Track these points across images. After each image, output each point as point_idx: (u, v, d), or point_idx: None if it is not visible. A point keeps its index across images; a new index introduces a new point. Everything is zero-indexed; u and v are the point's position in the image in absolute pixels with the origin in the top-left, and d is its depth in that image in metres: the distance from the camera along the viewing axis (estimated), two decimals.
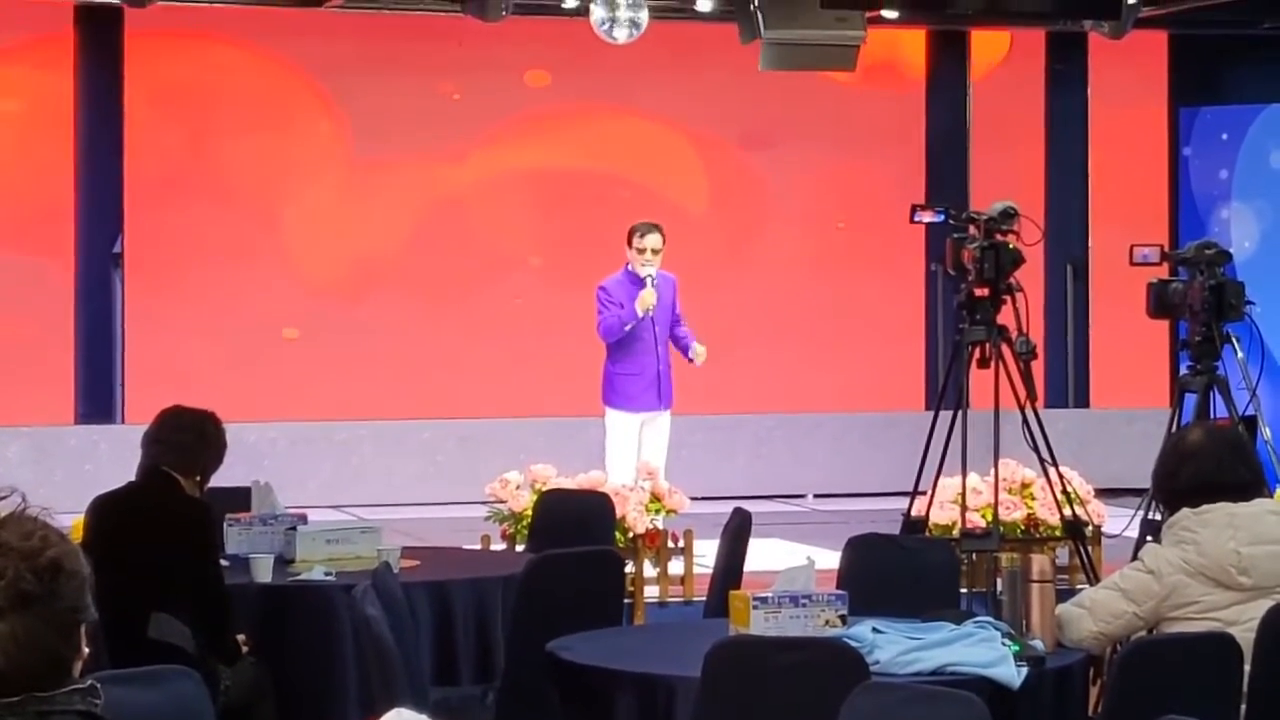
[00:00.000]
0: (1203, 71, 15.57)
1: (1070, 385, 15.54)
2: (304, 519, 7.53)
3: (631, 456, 10.99)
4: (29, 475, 12.99)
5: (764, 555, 8.45)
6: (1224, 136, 15.15)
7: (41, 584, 2.46)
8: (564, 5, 12.80)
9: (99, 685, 2.58)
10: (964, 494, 9.10)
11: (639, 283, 11.08)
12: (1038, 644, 5.46)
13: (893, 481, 12.94)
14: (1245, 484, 5.54)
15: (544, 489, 9.34)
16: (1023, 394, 8.55)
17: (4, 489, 2.55)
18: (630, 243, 11.17)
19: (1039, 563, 5.67)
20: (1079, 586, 8.79)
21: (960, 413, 8.58)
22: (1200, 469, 5.54)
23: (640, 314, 11.03)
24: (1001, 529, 9.21)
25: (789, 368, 14.93)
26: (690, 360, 11.31)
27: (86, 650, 2.56)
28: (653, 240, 11.12)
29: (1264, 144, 14.93)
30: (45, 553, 2.47)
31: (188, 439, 6.50)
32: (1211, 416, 8.46)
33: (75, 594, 2.50)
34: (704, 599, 7.84)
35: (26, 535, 2.48)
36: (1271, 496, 5.80)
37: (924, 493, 9.18)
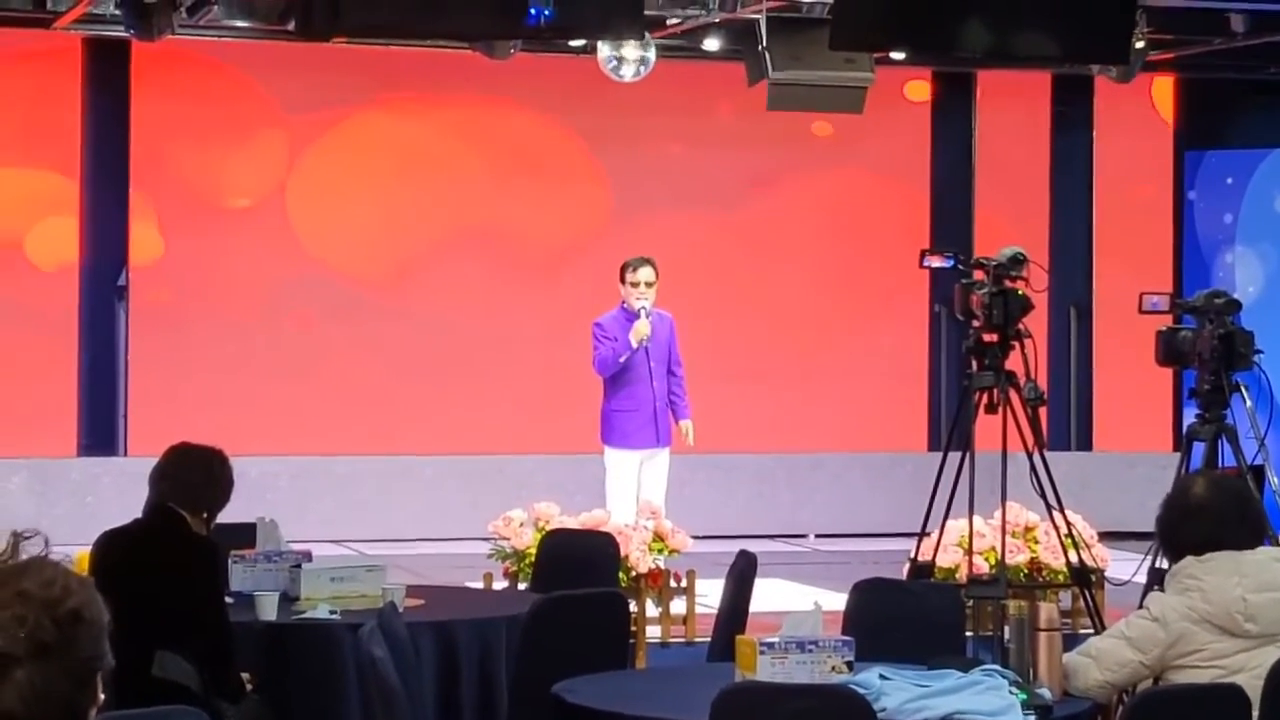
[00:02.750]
0: (1208, 115, 15.60)
1: (1073, 427, 15.54)
2: (309, 556, 7.52)
3: (631, 495, 10.98)
4: (31, 507, 13.00)
5: (766, 596, 8.43)
6: (1229, 180, 15.17)
7: (61, 633, 2.45)
8: (571, 44, 12.80)
9: None
10: (971, 539, 9.09)
11: (633, 318, 11.08)
12: (1045, 692, 5.45)
13: (895, 522, 12.96)
14: (1247, 541, 5.54)
15: (547, 527, 9.33)
16: (1030, 440, 8.54)
17: (28, 530, 2.54)
18: (623, 278, 11.16)
19: (1046, 611, 5.67)
20: (1083, 631, 8.78)
21: (967, 457, 8.57)
22: (1204, 527, 5.54)
23: (635, 345, 11.02)
24: (1006, 573, 9.19)
25: (791, 406, 14.93)
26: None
27: (103, 697, 2.55)
28: (645, 274, 11.11)
29: (1269, 188, 14.95)
30: (66, 602, 2.46)
31: (195, 477, 6.49)
32: (1219, 465, 8.45)
33: (93, 643, 2.49)
34: (706, 640, 7.84)
35: (48, 584, 2.47)
36: (1274, 545, 5.79)
37: (930, 533, 9.17)
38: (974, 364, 8.72)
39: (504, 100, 14.53)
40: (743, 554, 7.43)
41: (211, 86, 14.14)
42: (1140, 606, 5.78)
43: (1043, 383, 8.90)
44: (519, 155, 14.70)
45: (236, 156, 14.28)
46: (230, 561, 7.19)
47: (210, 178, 14.23)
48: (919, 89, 15.09)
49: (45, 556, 2.51)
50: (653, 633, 9.69)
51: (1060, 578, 9.62)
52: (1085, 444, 15.56)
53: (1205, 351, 8.56)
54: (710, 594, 8.94)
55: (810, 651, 5.50)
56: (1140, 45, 12.51)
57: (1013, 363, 8.64)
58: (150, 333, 14.05)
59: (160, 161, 14.11)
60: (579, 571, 7.95)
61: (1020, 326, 8.58)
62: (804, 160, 15.08)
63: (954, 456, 8.72)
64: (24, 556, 2.53)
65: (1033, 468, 8.57)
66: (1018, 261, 8.60)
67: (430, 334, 14.52)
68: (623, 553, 9.07)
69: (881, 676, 5.43)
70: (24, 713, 2.43)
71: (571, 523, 9.50)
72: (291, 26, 11.88)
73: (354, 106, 14.47)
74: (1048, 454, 8.76)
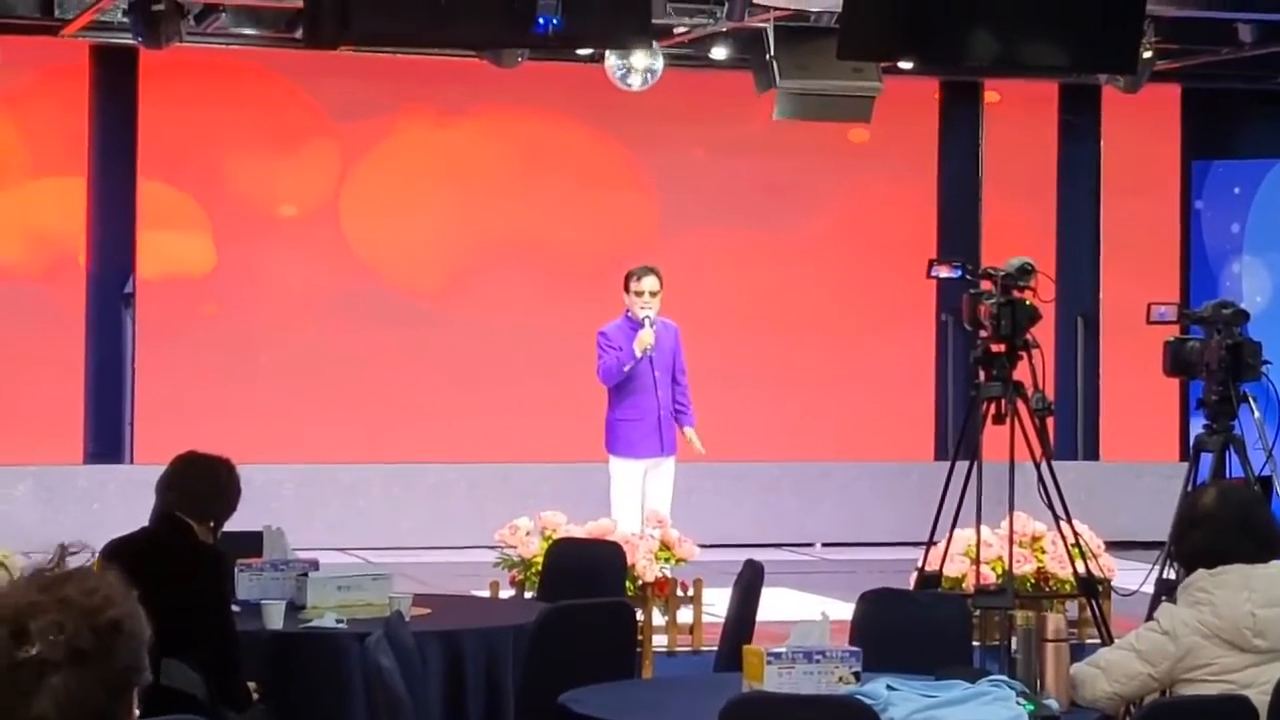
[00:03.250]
0: (1215, 125, 15.59)
1: (1080, 437, 15.53)
2: (315, 564, 7.51)
3: (636, 504, 11.00)
4: (37, 515, 13.00)
5: (773, 605, 8.43)
6: (1236, 190, 15.17)
7: (99, 643, 2.45)
8: (579, 53, 12.80)
9: None
10: (978, 548, 9.08)
11: (638, 326, 11.11)
12: (1052, 704, 5.45)
13: (901, 531, 12.96)
14: (1253, 555, 5.52)
15: (554, 536, 9.33)
16: (1038, 451, 8.54)
17: (75, 544, 2.54)
18: (627, 287, 11.20)
19: (1054, 622, 5.66)
20: (1090, 642, 8.78)
21: (975, 467, 8.56)
22: (1208, 536, 5.52)
23: (638, 354, 11.04)
24: (1013, 583, 9.18)
25: (798, 415, 14.92)
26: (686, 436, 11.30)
27: (138, 712, 2.54)
28: (649, 283, 11.15)
29: (1276, 198, 14.95)
30: (106, 612, 2.46)
31: (202, 486, 6.50)
32: (1227, 476, 8.44)
33: (132, 655, 2.48)
34: (713, 649, 7.83)
35: (89, 592, 2.46)
36: None
37: (937, 542, 9.17)
38: (981, 374, 8.72)
39: (528, 109, 14.54)
40: (749, 564, 7.43)
41: (221, 92, 14.14)
42: (1148, 617, 5.77)
43: (1050, 393, 8.90)
44: (544, 160, 14.70)
45: (241, 163, 14.29)
46: (236, 570, 7.18)
47: (213, 185, 14.23)
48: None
49: (89, 568, 2.51)
50: (659, 642, 9.69)
51: (1067, 588, 9.62)
52: (1092, 454, 15.55)
53: (1213, 362, 8.54)
54: (717, 603, 8.93)
55: (817, 662, 5.49)
56: (1148, 55, 12.51)
57: (1020, 373, 8.64)
58: (157, 341, 14.05)
59: (169, 168, 14.12)
60: (585, 580, 7.96)
61: (1028, 337, 8.58)
62: (812, 168, 15.07)
63: (961, 466, 8.72)
64: (70, 568, 2.53)
65: (1040, 478, 8.56)
66: (1026, 272, 8.60)
67: (436, 343, 14.51)
68: (629, 562, 9.07)
69: (889, 687, 5.42)
70: (57, 718, 2.43)
71: (578, 531, 9.50)
72: (299, 34, 11.89)
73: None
74: (1055, 464, 8.76)
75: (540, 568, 8.94)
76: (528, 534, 9.64)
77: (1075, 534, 9.05)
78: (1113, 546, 10.50)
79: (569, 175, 14.78)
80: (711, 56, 13.37)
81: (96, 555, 2.56)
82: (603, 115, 14.49)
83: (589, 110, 14.52)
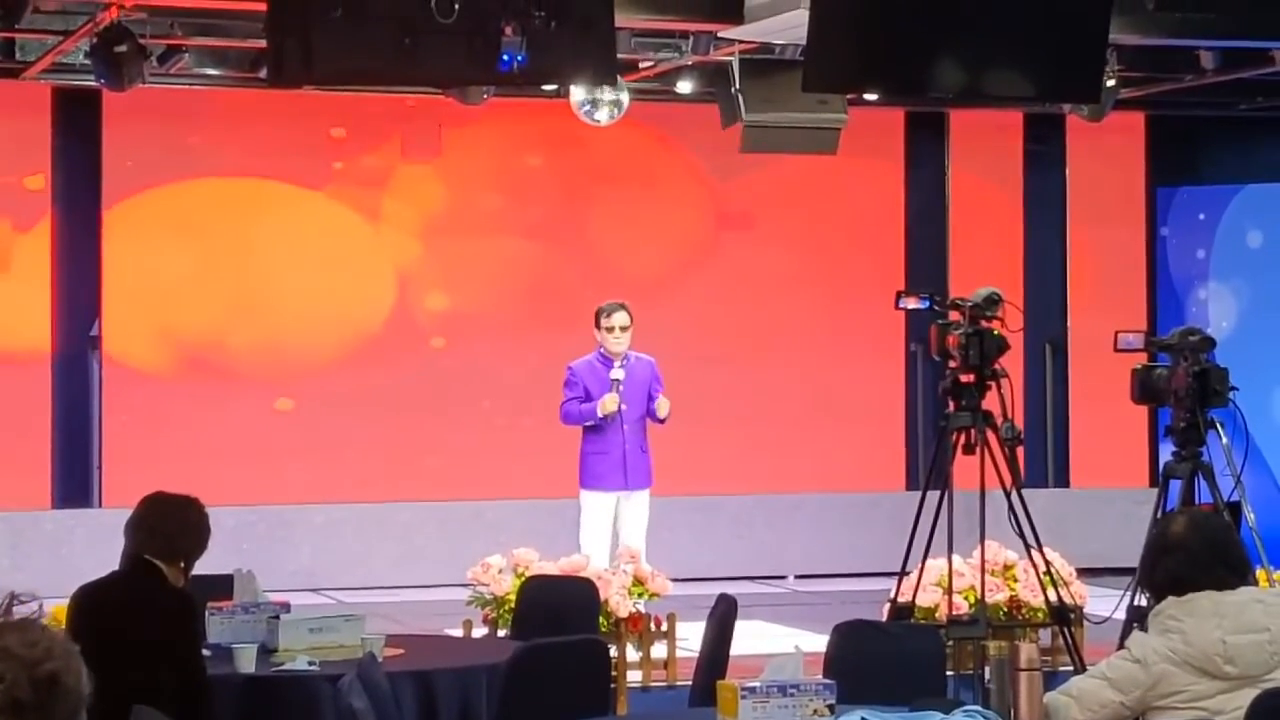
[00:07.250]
0: (1180, 152, 15.66)
1: (1050, 465, 15.55)
2: (287, 607, 7.48)
3: (605, 536, 11.04)
4: (5, 560, 12.93)
5: (746, 637, 8.42)
6: (1201, 216, 15.22)
7: (37, 695, 2.44)
8: (544, 89, 12.81)
9: None
10: (950, 578, 9.09)
11: (608, 364, 11.13)
12: None
13: (873, 562, 12.96)
14: (1224, 581, 5.52)
15: (526, 573, 9.32)
16: (1008, 479, 8.56)
17: (25, 595, 2.55)
18: (598, 324, 11.22)
19: (1026, 651, 5.65)
20: (1062, 669, 8.78)
21: (946, 497, 8.58)
22: (1178, 565, 5.51)
23: (601, 416, 11.06)
24: (986, 612, 9.19)
25: (769, 447, 14.92)
26: (658, 419, 11.24)
27: None
28: (619, 318, 11.19)
29: (1241, 224, 15.00)
30: (45, 664, 2.46)
31: (171, 527, 6.45)
32: (1196, 502, 8.46)
33: (69, 712, 2.48)
34: (687, 683, 7.83)
35: (31, 644, 2.46)
36: (1256, 582, 5.77)
37: (909, 573, 9.18)
38: (951, 404, 8.75)
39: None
40: (723, 598, 7.43)
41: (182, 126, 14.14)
42: (1120, 645, 5.77)
43: (1019, 421, 8.92)
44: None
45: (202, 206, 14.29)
46: (207, 613, 7.15)
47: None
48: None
49: (35, 619, 2.51)
50: (633, 677, 9.68)
51: (1039, 615, 9.63)
52: (1063, 481, 15.57)
53: (1180, 389, 8.57)
54: (691, 637, 8.92)
55: (792, 695, 5.48)
56: (1111, 83, 12.56)
57: (989, 402, 8.66)
58: (125, 383, 14.00)
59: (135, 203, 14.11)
60: (559, 617, 7.95)
61: (996, 366, 8.61)
62: (779, 199, 15.08)
63: (932, 496, 8.73)
64: (16, 618, 2.53)
65: (1010, 506, 8.58)
66: (993, 302, 8.63)
67: (404, 381, 14.48)
68: (602, 597, 9.07)
69: (863, 719, 5.41)
70: None
71: (551, 568, 9.50)
72: (263, 74, 11.89)
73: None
74: (1025, 492, 8.77)
75: (513, 605, 8.92)
76: (500, 571, 9.64)
77: (1046, 562, 9.07)
78: (1084, 573, 10.53)
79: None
80: (677, 90, 13.40)
81: (42, 605, 2.56)
82: (566, 150, 14.52)
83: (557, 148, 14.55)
